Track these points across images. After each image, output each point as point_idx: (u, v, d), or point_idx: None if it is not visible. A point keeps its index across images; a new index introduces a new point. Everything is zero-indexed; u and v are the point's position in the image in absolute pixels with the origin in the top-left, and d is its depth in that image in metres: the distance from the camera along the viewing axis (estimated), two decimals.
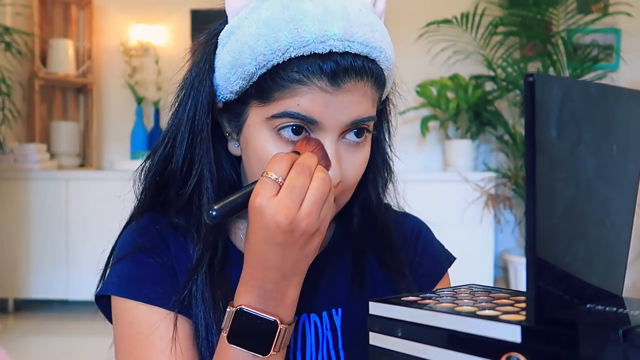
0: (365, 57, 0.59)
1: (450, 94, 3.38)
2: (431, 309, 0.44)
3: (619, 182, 0.46)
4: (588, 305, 0.42)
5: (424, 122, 3.41)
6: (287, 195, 0.53)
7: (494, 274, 3.19)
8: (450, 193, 3.15)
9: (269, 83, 0.59)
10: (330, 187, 0.55)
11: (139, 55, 3.81)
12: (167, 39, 3.82)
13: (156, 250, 0.66)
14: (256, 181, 0.55)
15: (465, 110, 3.35)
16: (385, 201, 0.76)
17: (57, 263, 3.26)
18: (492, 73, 3.39)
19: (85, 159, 3.85)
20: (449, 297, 0.49)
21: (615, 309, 0.40)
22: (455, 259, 0.80)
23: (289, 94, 0.58)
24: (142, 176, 0.69)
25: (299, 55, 0.57)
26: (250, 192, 0.54)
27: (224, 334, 0.56)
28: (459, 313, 0.42)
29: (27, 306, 3.43)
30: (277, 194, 0.53)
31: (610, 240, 0.45)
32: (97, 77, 3.86)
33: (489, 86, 3.44)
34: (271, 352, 0.56)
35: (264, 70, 0.59)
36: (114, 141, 3.91)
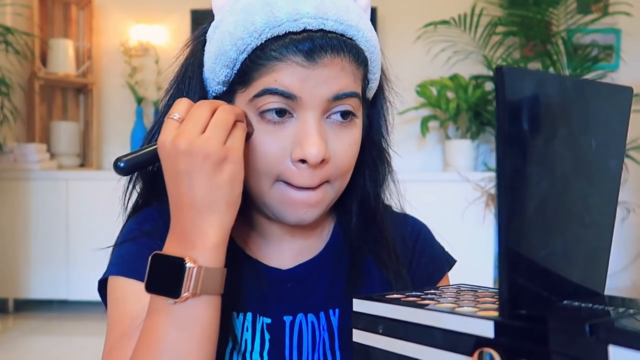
0: (342, 35, 0.60)
1: (450, 94, 3.38)
2: (409, 306, 0.44)
3: (600, 178, 0.45)
4: (565, 302, 0.41)
5: (424, 122, 3.41)
6: (186, 124, 0.55)
7: (494, 274, 3.19)
8: (451, 193, 3.14)
9: (249, 66, 0.61)
10: (234, 117, 0.57)
11: (139, 55, 3.81)
12: (167, 39, 3.82)
13: (161, 237, 0.65)
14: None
15: (465, 110, 3.35)
16: (387, 203, 0.76)
17: (57, 263, 3.26)
18: (492, 73, 3.39)
19: (85, 159, 3.85)
20: (433, 295, 0.48)
21: (591, 305, 0.40)
22: (455, 261, 0.79)
23: (267, 72, 0.60)
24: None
25: (275, 35, 0.59)
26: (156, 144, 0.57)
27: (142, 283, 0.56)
28: (436, 309, 0.42)
29: (27, 306, 3.43)
30: None
31: (590, 237, 0.45)
32: (97, 77, 3.85)
33: (489, 86, 3.44)
34: (183, 294, 0.53)
35: (244, 55, 0.61)
36: (114, 141, 3.91)
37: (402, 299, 0.46)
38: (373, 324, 0.45)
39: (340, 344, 0.68)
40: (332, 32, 0.60)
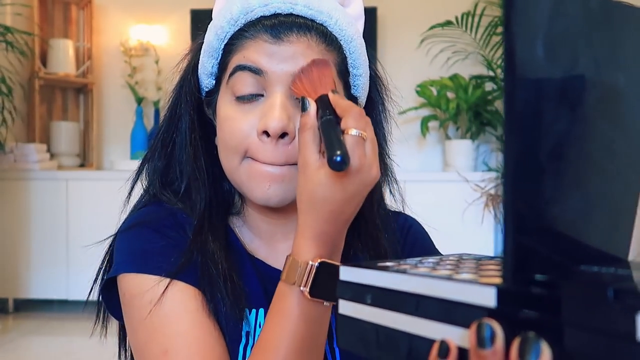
0: (312, 20, 0.64)
1: (450, 94, 3.38)
2: (401, 272, 0.38)
3: (628, 121, 0.37)
4: (582, 267, 0.34)
5: (424, 122, 3.41)
6: (372, 151, 0.56)
7: None
8: (450, 193, 3.14)
9: (226, 52, 0.66)
10: None
11: (139, 55, 3.80)
12: (167, 39, 3.82)
13: (169, 232, 0.67)
14: (336, 127, 0.54)
15: (465, 110, 3.35)
16: (385, 203, 0.76)
17: (57, 263, 3.26)
18: (492, 73, 3.39)
19: (85, 159, 3.85)
20: (430, 263, 0.42)
21: (614, 269, 0.33)
22: None
23: (238, 51, 0.64)
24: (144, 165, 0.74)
25: (248, 21, 0.64)
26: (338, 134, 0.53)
27: (303, 289, 0.56)
28: (430, 276, 0.36)
29: (27, 306, 3.43)
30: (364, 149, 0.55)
31: (615, 192, 0.37)
32: (97, 77, 3.85)
33: (489, 86, 3.44)
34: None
35: (224, 43, 0.65)
36: (114, 141, 3.90)
37: (394, 267, 0.40)
38: (360, 293, 0.40)
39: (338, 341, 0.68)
40: (301, 16, 0.63)
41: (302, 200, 0.57)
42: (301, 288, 0.56)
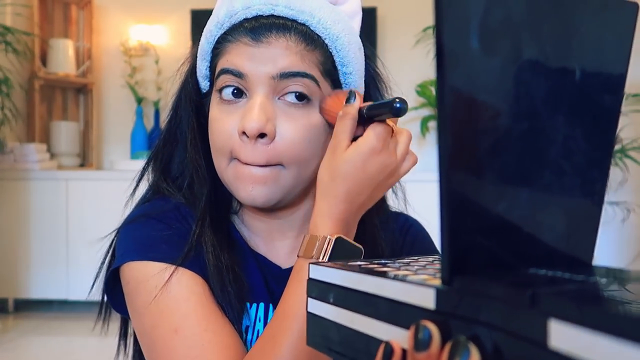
0: (294, 20, 0.64)
1: None
2: (357, 271, 0.37)
3: (586, 117, 0.34)
4: (532, 269, 0.32)
5: (424, 122, 3.41)
6: (395, 146, 0.60)
7: None
8: None
9: (214, 55, 0.67)
10: None
11: (139, 55, 3.80)
12: (167, 39, 3.82)
13: (174, 223, 0.68)
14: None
15: None
16: (387, 203, 0.76)
17: (57, 263, 3.26)
18: None
19: (85, 159, 3.85)
20: (398, 264, 0.41)
21: (561, 273, 0.31)
22: None
23: (223, 55, 0.66)
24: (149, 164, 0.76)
25: (233, 24, 0.65)
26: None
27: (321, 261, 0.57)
28: (380, 275, 0.35)
29: (27, 306, 3.43)
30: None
31: (572, 189, 0.35)
32: (97, 77, 3.85)
33: None
34: None
35: (212, 46, 0.67)
36: (114, 141, 3.90)
37: (362, 266, 0.40)
38: (325, 292, 0.39)
39: None
40: (282, 17, 0.64)
41: (322, 180, 0.59)
42: (319, 260, 0.57)
